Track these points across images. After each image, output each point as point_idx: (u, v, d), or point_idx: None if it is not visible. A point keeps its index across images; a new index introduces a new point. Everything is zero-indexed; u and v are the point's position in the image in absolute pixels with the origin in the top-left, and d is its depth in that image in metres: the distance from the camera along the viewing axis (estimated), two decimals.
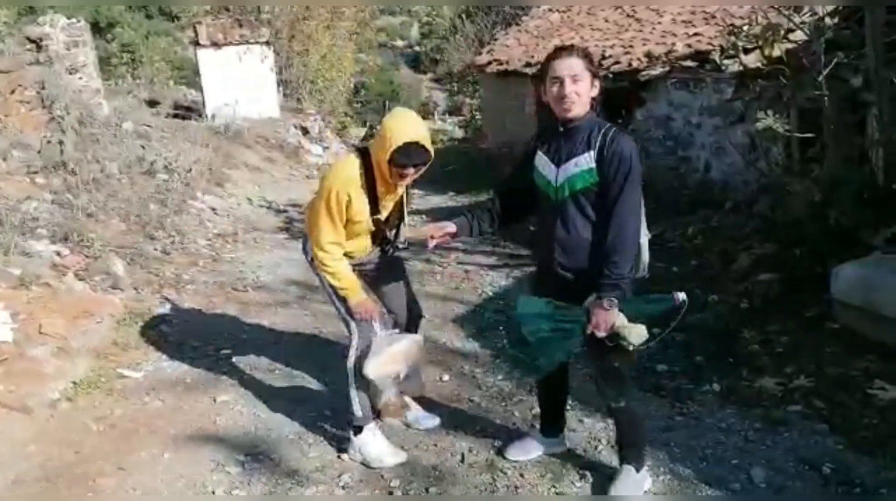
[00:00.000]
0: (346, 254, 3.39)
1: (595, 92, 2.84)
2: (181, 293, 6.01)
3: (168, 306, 5.68)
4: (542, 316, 2.91)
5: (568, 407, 3.73)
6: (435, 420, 3.82)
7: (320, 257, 3.34)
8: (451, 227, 3.16)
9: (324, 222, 3.28)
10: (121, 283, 5.78)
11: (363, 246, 3.49)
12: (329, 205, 3.23)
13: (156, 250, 6.85)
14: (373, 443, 3.49)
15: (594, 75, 2.82)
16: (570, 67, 2.76)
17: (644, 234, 2.89)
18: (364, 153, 3.29)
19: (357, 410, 3.47)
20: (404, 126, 3.13)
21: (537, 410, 3.54)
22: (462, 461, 3.45)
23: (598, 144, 2.77)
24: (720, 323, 4.90)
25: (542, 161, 2.94)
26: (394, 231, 3.54)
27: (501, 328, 5.17)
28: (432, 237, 3.16)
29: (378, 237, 3.49)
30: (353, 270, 3.43)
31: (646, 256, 2.92)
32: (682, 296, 2.80)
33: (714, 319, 4.97)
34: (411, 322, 3.81)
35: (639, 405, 3.19)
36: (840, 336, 4.47)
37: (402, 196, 3.46)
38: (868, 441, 3.43)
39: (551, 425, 3.43)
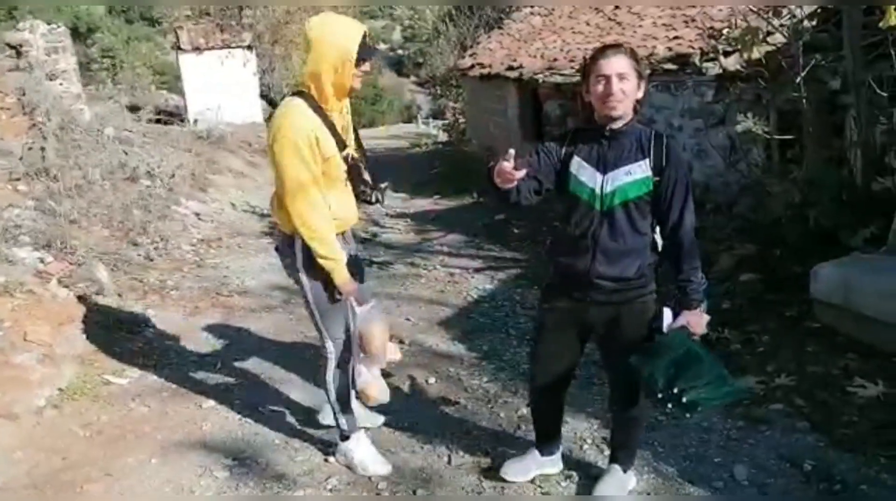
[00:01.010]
0: (337, 222, 3.18)
1: (640, 94, 2.72)
2: (165, 299, 6.00)
3: (153, 312, 5.66)
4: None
5: None
6: (379, 419, 3.84)
7: (307, 220, 3.03)
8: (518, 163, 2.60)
9: (303, 177, 3.01)
10: (105, 289, 5.76)
11: (348, 202, 3.27)
12: (301, 154, 2.98)
13: (140, 256, 6.83)
14: (358, 450, 3.46)
15: (641, 76, 2.70)
16: (618, 65, 2.63)
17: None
18: (300, 94, 3.09)
19: (343, 423, 3.42)
20: (348, 26, 3.02)
21: (523, 411, 3.58)
22: (449, 462, 3.48)
23: (652, 152, 2.69)
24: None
25: (581, 168, 2.77)
26: (369, 175, 3.37)
27: (505, 331, 5.19)
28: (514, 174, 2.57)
29: (356, 183, 3.29)
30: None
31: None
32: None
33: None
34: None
35: (646, 412, 3.16)
36: (820, 335, 4.54)
37: (355, 130, 3.34)
38: (848, 439, 3.49)
39: (549, 442, 3.32)
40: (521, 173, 2.54)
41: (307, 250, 3.11)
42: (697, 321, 2.78)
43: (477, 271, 6.85)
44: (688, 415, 2.80)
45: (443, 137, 19.82)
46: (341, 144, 3.13)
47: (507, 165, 2.50)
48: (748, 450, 3.46)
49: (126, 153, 9.22)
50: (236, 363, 4.76)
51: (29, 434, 3.84)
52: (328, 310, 3.26)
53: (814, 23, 6.19)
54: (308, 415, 3.97)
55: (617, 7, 11.31)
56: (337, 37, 2.97)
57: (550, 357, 3.07)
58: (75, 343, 4.83)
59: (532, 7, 14.58)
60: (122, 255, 6.62)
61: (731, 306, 5.16)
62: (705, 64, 7.38)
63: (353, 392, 3.50)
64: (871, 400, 3.77)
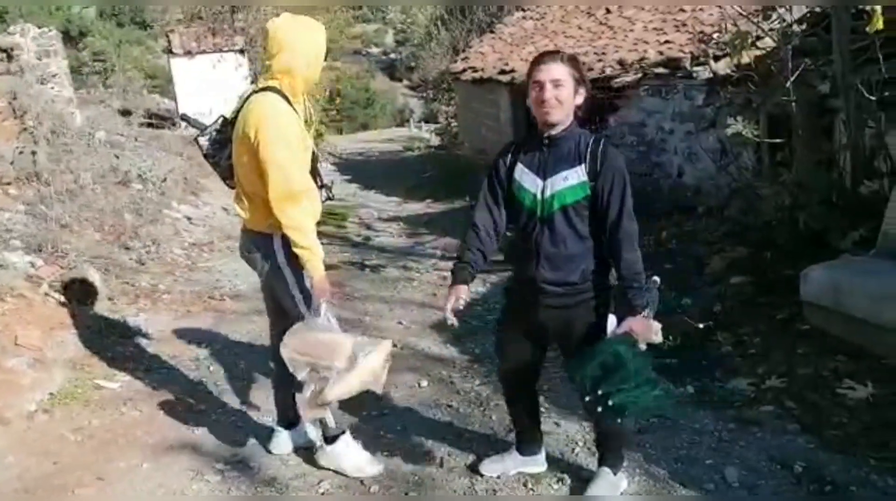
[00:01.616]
0: (318, 210, 3.22)
1: (580, 100, 2.77)
2: (157, 303, 5.99)
3: (144, 316, 5.65)
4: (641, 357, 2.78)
5: (543, 411, 3.78)
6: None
7: (292, 212, 3.01)
8: (462, 292, 3.02)
9: (292, 166, 3.02)
10: (97, 293, 5.74)
11: (316, 192, 3.28)
12: (289, 142, 3.01)
13: (131, 259, 6.82)
14: (349, 453, 3.43)
15: (579, 82, 2.76)
16: (552, 71, 2.70)
17: None
18: (270, 89, 3.11)
19: (329, 421, 3.37)
20: (317, 26, 3.18)
21: None
22: (441, 465, 3.48)
23: (588, 157, 2.73)
24: (693, 326, 4.97)
25: (523, 175, 2.85)
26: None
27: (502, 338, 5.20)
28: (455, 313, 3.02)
29: (318, 175, 3.34)
30: None
31: None
32: (657, 279, 2.88)
33: (688, 322, 5.04)
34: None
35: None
36: (810, 337, 4.56)
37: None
38: (838, 440, 3.50)
39: (528, 441, 3.34)
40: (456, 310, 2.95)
41: (288, 245, 3.11)
42: (641, 326, 2.72)
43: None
44: (619, 420, 2.80)
45: (435, 140, 19.86)
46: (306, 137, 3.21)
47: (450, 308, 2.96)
48: (739, 452, 3.47)
49: (117, 157, 9.19)
50: (228, 367, 4.75)
51: (20, 439, 3.83)
52: (311, 303, 3.23)
53: (803, 27, 6.23)
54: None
55: (608, 11, 11.36)
56: (310, 35, 3.12)
57: (512, 353, 3.15)
58: (66, 348, 4.82)
59: (524, 11, 14.64)
60: (113, 259, 6.60)
61: (723, 308, 5.18)
62: (696, 68, 7.44)
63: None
64: (861, 402, 3.78)
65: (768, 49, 6.33)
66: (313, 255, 3.09)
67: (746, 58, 5.93)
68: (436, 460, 3.53)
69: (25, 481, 3.47)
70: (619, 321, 2.80)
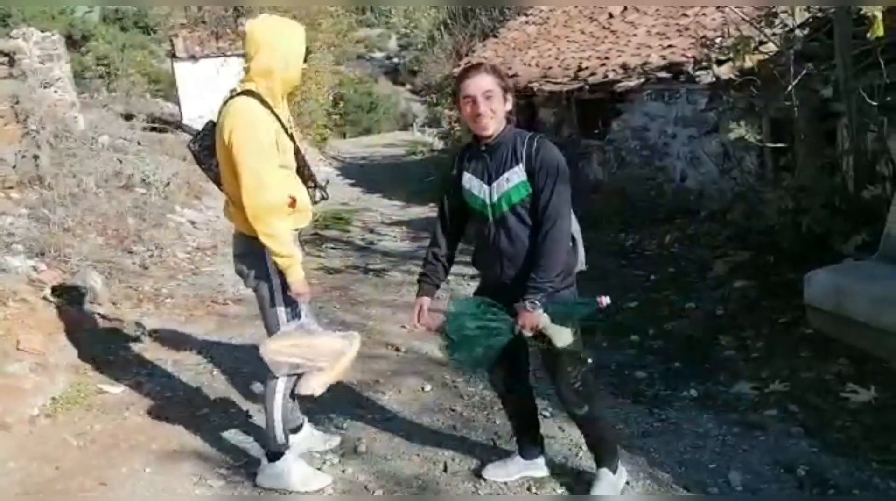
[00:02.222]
0: (304, 213, 3.24)
1: (509, 106, 2.87)
2: (160, 307, 5.99)
3: (147, 320, 5.66)
4: (469, 315, 2.90)
5: (548, 415, 3.79)
6: (335, 439, 3.77)
7: (266, 219, 3.00)
8: (425, 305, 3.11)
9: (265, 171, 2.99)
10: (99, 297, 5.75)
11: (304, 194, 3.28)
12: (263, 149, 2.99)
13: (134, 263, 6.83)
14: (293, 468, 3.37)
15: (506, 90, 2.86)
16: (481, 85, 2.78)
17: (577, 229, 2.97)
18: (248, 93, 3.10)
19: (279, 435, 3.31)
20: (295, 26, 3.16)
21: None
22: (445, 470, 3.47)
23: (524, 156, 2.81)
24: (697, 330, 4.97)
25: (471, 182, 2.95)
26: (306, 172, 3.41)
27: None
28: (428, 328, 3.15)
29: (305, 177, 3.34)
30: None
31: (581, 250, 2.99)
32: (606, 300, 2.82)
33: (691, 325, 5.04)
34: None
35: (603, 409, 3.18)
36: (813, 341, 4.55)
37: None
38: (842, 443, 3.49)
39: (528, 444, 3.36)
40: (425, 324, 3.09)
41: None
42: (527, 318, 2.75)
43: (472, 278, 6.84)
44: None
45: (438, 144, 19.86)
46: (291, 139, 3.21)
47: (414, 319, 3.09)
48: (743, 456, 3.46)
49: (121, 161, 9.23)
50: (231, 372, 4.75)
51: (22, 444, 3.83)
52: (294, 309, 3.25)
53: (805, 32, 6.23)
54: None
55: (611, 16, 11.36)
56: (289, 34, 3.11)
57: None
58: (69, 352, 4.82)
59: (527, 16, 14.65)
60: (116, 263, 6.61)
61: (725, 312, 5.17)
62: (698, 72, 7.43)
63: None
64: (864, 405, 3.77)
65: (771, 54, 6.33)
66: (292, 261, 3.09)
67: (749, 62, 5.92)
68: (440, 464, 3.52)
69: (27, 486, 3.47)
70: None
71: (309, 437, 3.72)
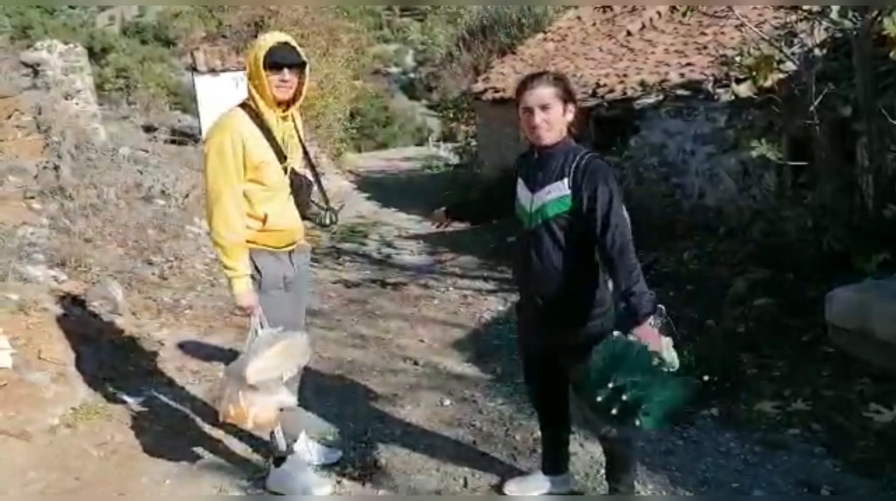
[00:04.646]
0: (275, 234, 3.18)
1: (570, 117, 2.83)
2: (179, 318, 6.02)
3: (167, 331, 5.69)
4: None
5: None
6: (335, 454, 3.75)
7: (216, 227, 3.05)
8: None
9: (220, 183, 3.02)
10: (119, 308, 5.78)
11: (289, 215, 3.24)
12: (224, 159, 3.00)
13: (153, 274, 6.86)
14: (296, 474, 3.42)
15: (567, 101, 2.81)
16: (540, 97, 2.77)
17: None
18: (241, 105, 3.15)
19: (280, 442, 3.37)
20: (269, 36, 3.13)
21: (538, 434, 3.55)
22: (465, 485, 3.46)
23: (571, 172, 2.77)
24: (718, 348, 4.93)
25: (520, 188, 2.95)
26: (318, 194, 3.39)
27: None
28: None
29: (304, 202, 3.31)
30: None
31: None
32: (661, 307, 2.72)
33: (711, 343, 5.01)
34: None
35: (630, 432, 3.02)
36: (835, 360, 4.52)
37: (305, 147, 3.35)
38: (865, 463, 3.47)
39: (552, 461, 3.33)
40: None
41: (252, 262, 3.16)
42: (647, 334, 2.55)
43: (490, 292, 6.85)
44: (637, 423, 2.48)
45: (455, 159, 19.91)
46: (280, 156, 3.17)
47: None
48: (766, 475, 3.44)
49: (141, 173, 9.29)
50: None
51: (42, 454, 3.83)
52: (272, 312, 3.23)
53: (824, 52, 6.23)
54: (325, 435, 3.96)
55: (629, 34, 11.39)
56: (254, 45, 3.12)
57: (531, 371, 3.20)
58: (89, 362, 4.83)
59: (545, 33, 14.71)
60: (136, 273, 6.65)
61: (746, 330, 5.14)
62: (718, 90, 7.42)
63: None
64: (887, 425, 3.75)
65: (790, 73, 6.32)
66: (234, 274, 3.11)
67: (769, 81, 5.92)
68: (459, 479, 3.51)
69: (48, 496, 3.48)
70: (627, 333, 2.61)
71: (304, 450, 3.65)
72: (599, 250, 2.75)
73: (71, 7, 40.31)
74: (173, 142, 13.20)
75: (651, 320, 2.58)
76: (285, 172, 3.21)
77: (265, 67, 3.03)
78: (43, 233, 6.90)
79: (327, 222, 3.45)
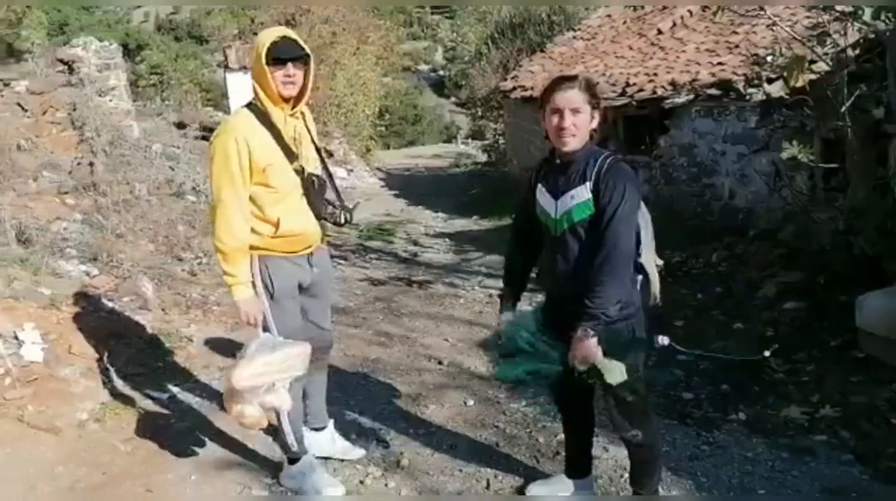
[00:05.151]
0: (290, 239, 3.15)
1: (595, 123, 2.79)
2: (208, 314, 6.07)
3: (195, 327, 5.74)
4: (525, 330, 2.88)
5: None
6: (359, 452, 3.77)
7: (217, 231, 3.02)
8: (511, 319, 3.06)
9: (222, 185, 2.98)
10: (149, 304, 5.86)
11: (303, 218, 3.20)
12: (227, 161, 2.96)
13: (183, 270, 6.93)
14: (308, 473, 3.42)
15: (595, 107, 2.78)
16: (571, 99, 2.71)
17: (653, 261, 2.87)
18: (248, 105, 3.12)
19: (291, 442, 3.36)
20: (270, 31, 3.07)
21: (562, 436, 3.54)
22: (487, 487, 3.46)
23: (593, 175, 2.73)
24: (746, 351, 4.88)
25: (542, 195, 2.91)
26: (332, 191, 3.33)
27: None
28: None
29: (317, 201, 3.24)
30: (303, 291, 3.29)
31: (656, 284, 2.90)
32: (663, 340, 2.80)
33: (740, 347, 4.96)
34: (319, 352, 3.47)
35: (655, 434, 3.06)
36: (865, 365, 4.45)
37: (315, 144, 3.30)
38: (893, 471, 3.41)
39: (574, 465, 3.32)
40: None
41: (265, 266, 3.16)
42: (579, 347, 2.63)
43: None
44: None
45: (483, 157, 19.90)
46: (290, 156, 3.12)
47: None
48: (793, 482, 3.39)
49: (172, 169, 9.41)
50: None
51: (71, 448, 3.89)
52: (281, 321, 3.23)
53: (857, 52, 6.12)
54: (347, 433, 3.97)
55: (660, 32, 11.29)
56: (256, 41, 3.05)
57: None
58: (119, 357, 4.89)
59: (575, 31, 14.63)
60: (166, 269, 6.72)
61: (775, 333, 5.08)
62: (749, 90, 7.33)
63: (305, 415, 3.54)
64: None
65: (822, 73, 6.23)
66: (233, 281, 3.08)
67: (801, 81, 5.83)
68: (482, 481, 3.51)
69: (76, 491, 3.53)
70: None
71: (330, 442, 3.73)
72: (597, 253, 2.69)
73: (107, 4, 40.84)
74: (204, 138, 13.30)
75: (581, 332, 2.63)
76: (296, 173, 3.16)
77: (268, 64, 2.98)
78: (76, 228, 7.02)
79: (342, 220, 3.39)
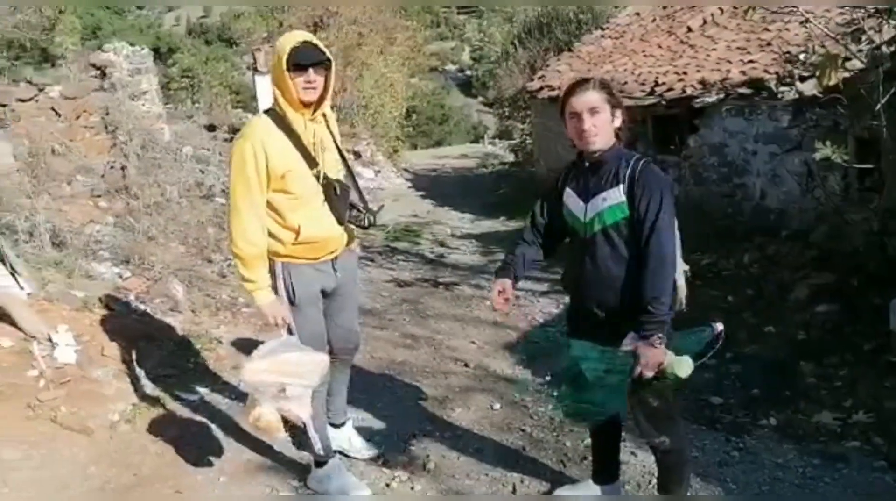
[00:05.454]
0: (312, 246, 3.14)
1: (618, 122, 2.78)
2: (237, 316, 6.12)
3: (224, 328, 5.79)
4: (591, 359, 2.83)
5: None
6: (373, 451, 3.79)
7: (234, 238, 3.02)
8: (508, 285, 3.03)
9: (238, 192, 2.99)
10: (179, 306, 5.92)
11: (325, 223, 3.18)
12: (244, 168, 2.95)
13: (213, 272, 7.00)
14: (334, 476, 3.44)
15: (615, 106, 2.76)
16: (587, 101, 2.71)
17: (680, 267, 2.82)
18: (267, 111, 3.11)
19: (317, 447, 3.37)
20: (289, 36, 3.05)
21: (589, 441, 3.52)
22: (514, 492, 3.45)
23: (627, 178, 2.71)
24: (776, 355, 4.82)
25: (570, 198, 2.88)
26: (355, 194, 3.31)
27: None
28: (503, 304, 3.07)
29: (340, 206, 3.22)
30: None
31: (683, 291, 2.84)
32: (719, 326, 2.76)
33: (770, 350, 4.89)
34: (345, 353, 3.57)
35: (683, 440, 3.04)
36: None
37: (338, 148, 3.27)
38: None
39: (601, 470, 3.29)
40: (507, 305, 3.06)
41: (286, 271, 3.17)
42: (646, 352, 2.60)
43: (543, 294, 6.80)
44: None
45: (510, 157, 19.86)
46: (310, 162, 3.10)
47: (497, 297, 3.01)
48: (825, 490, 3.34)
49: (202, 172, 9.49)
50: None
51: (103, 449, 3.94)
52: (303, 328, 3.25)
53: (892, 49, 6.00)
54: (373, 437, 3.99)
55: (690, 30, 11.18)
56: (276, 46, 3.04)
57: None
58: (150, 359, 4.95)
59: (602, 30, 14.53)
60: (196, 271, 6.79)
61: (807, 337, 5.00)
62: (781, 89, 7.23)
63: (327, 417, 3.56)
64: None
65: (857, 71, 6.12)
66: (253, 287, 3.09)
67: (834, 80, 5.74)
68: (508, 485, 3.50)
69: (107, 492, 3.57)
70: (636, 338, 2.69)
71: (346, 439, 3.77)
72: (640, 258, 2.69)
73: (139, 8, 41.39)
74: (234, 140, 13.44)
75: (655, 341, 2.60)
76: (317, 179, 3.15)
77: (288, 69, 2.97)
78: (108, 231, 7.12)
79: (366, 224, 3.39)
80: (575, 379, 2.94)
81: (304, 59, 2.98)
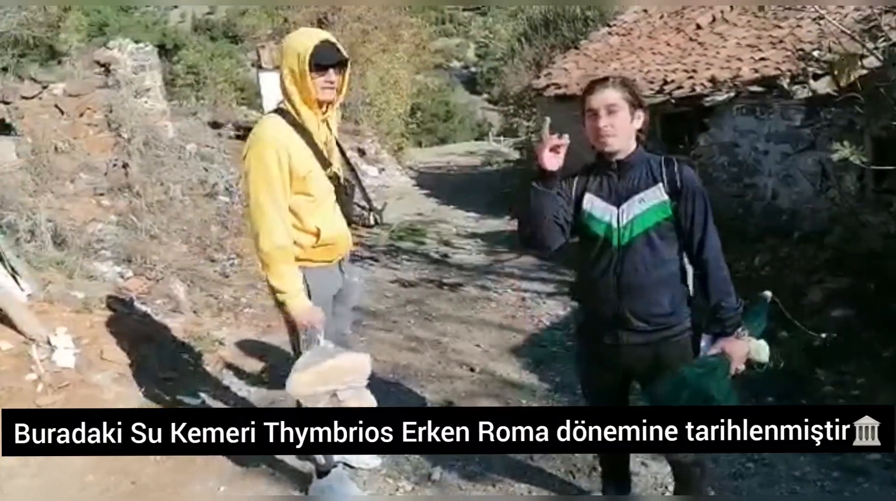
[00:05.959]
0: (329, 247, 3.07)
1: (639, 123, 2.63)
2: (239, 317, 6.04)
3: (227, 330, 5.70)
4: (718, 374, 2.58)
5: None
6: (377, 460, 3.70)
7: (261, 244, 2.90)
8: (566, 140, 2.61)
9: (266, 205, 2.86)
10: (181, 306, 5.84)
11: (337, 225, 3.13)
12: (268, 172, 2.84)
13: (215, 272, 6.91)
14: (338, 487, 3.35)
15: (635, 106, 2.62)
16: (605, 98, 2.58)
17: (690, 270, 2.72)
18: (279, 111, 3.02)
19: (318, 457, 3.29)
20: (305, 34, 2.96)
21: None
22: None
23: (666, 177, 2.59)
24: (792, 361, 4.70)
25: (594, 203, 2.68)
26: (360, 193, 3.25)
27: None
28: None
29: (347, 205, 3.17)
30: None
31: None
32: (767, 294, 2.73)
33: (785, 357, 4.77)
34: None
35: (703, 455, 2.91)
36: None
37: (341, 148, 3.22)
38: None
39: (611, 481, 3.17)
40: (558, 163, 2.59)
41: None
42: (735, 348, 2.57)
43: (549, 295, 6.70)
44: None
45: (515, 155, 19.77)
46: (324, 162, 3.04)
47: (546, 151, 2.58)
48: None
49: (206, 170, 9.41)
50: None
51: (100, 457, 3.83)
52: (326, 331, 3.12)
53: None
54: None
55: (699, 27, 11.05)
56: (292, 45, 2.92)
57: (594, 395, 2.97)
58: (150, 361, 4.87)
59: (610, 27, 14.41)
60: (198, 271, 6.71)
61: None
62: (794, 87, 7.10)
63: None
64: None
65: (873, 69, 5.99)
66: (285, 296, 2.96)
67: (852, 79, 5.62)
68: (515, 496, 3.40)
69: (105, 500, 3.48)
70: (714, 340, 2.62)
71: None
72: (696, 260, 2.62)
73: (146, 5, 41.30)
74: (238, 137, 13.34)
75: (738, 331, 2.58)
76: (330, 180, 3.09)
77: (310, 69, 2.87)
78: (111, 230, 7.04)
79: (371, 222, 3.35)
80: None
81: (325, 60, 2.89)
